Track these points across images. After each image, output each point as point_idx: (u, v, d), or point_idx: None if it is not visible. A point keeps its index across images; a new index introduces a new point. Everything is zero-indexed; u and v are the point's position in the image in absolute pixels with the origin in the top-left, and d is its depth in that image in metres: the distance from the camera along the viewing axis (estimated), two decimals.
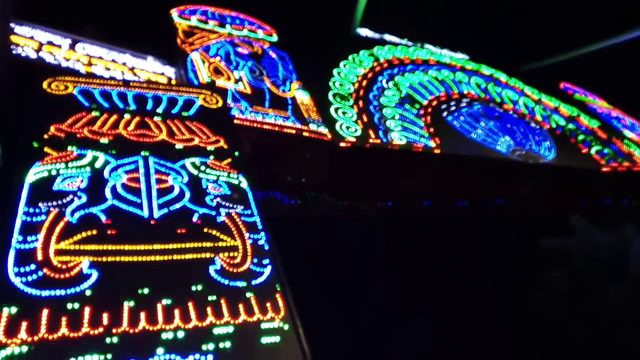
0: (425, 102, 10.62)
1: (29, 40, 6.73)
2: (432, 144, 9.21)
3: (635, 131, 14.07)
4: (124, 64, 7.38)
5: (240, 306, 4.10)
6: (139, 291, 3.91)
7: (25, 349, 3.33)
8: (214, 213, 4.81)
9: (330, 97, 9.21)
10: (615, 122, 14.17)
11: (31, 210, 4.17)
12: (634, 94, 14.53)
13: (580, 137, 12.47)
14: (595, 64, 15.35)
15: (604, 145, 12.45)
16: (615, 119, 14.42)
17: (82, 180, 4.59)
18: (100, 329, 3.58)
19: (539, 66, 15.51)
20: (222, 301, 4.08)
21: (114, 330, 3.60)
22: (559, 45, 15.41)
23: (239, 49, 9.05)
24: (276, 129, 7.55)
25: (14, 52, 6.36)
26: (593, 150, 12.00)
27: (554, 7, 14.96)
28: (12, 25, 6.69)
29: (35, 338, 3.40)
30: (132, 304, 3.80)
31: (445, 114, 10.58)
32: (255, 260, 4.53)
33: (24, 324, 3.43)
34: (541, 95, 13.84)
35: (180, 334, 3.76)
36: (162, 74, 7.73)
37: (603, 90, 15.51)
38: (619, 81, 15.38)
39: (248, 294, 4.22)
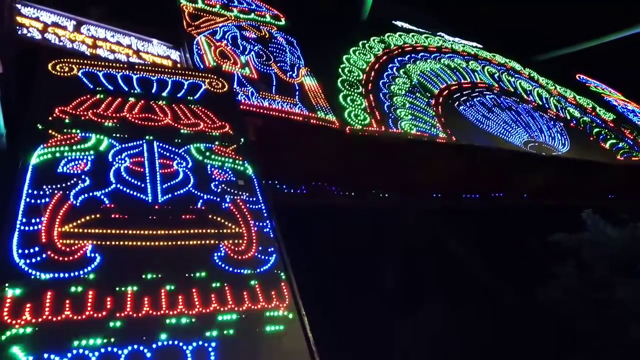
0: (436, 91, 10.42)
1: (34, 21, 6.65)
2: (442, 134, 9.04)
3: None
4: (129, 46, 7.28)
5: (245, 294, 4.06)
6: (143, 276, 3.88)
7: (29, 330, 3.32)
8: (218, 199, 4.75)
9: (339, 84, 9.06)
10: (631, 116, 13.87)
11: (35, 192, 4.14)
12: None
13: (595, 129, 12.21)
14: (611, 55, 14.98)
15: (619, 138, 12.19)
16: (631, 112, 14.12)
17: (86, 164, 4.55)
18: (104, 313, 3.56)
19: (554, 56, 15.18)
20: (226, 288, 4.04)
21: (117, 314, 3.59)
22: (575, 35, 15.05)
23: (246, 33, 8.89)
24: (283, 115, 7.44)
25: (19, 33, 6.29)
26: (608, 144, 11.75)
27: None
28: (17, 5, 6.63)
29: (40, 320, 3.39)
30: (135, 288, 3.78)
31: (457, 103, 10.37)
32: (260, 248, 4.48)
33: (28, 306, 3.42)
34: (556, 86, 13.56)
35: (184, 320, 3.72)
36: (168, 57, 7.62)
37: (619, 82, 15.18)
38: (635, 73, 15.01)
39: (252, 282, 4.18)
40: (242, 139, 5.57)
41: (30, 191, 4.14)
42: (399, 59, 10.94)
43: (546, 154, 10.25)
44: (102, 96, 5.37)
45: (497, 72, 12.61)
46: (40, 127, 4.71)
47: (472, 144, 9.29)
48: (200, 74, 6.42)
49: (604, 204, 9.70)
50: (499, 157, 9.51)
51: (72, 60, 5.69)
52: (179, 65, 7.63)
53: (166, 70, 6.37)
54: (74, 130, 4.81)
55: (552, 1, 14.96)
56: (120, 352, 3.41)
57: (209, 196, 4.74)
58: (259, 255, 4.43)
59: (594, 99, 14.00)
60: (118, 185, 4.47)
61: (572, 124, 12.07)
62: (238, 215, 4.68)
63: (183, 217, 4.44)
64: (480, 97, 10.96)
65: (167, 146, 5.09)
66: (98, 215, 4.14)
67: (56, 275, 3.66)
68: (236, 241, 4.45)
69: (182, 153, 5.09)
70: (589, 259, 7.92)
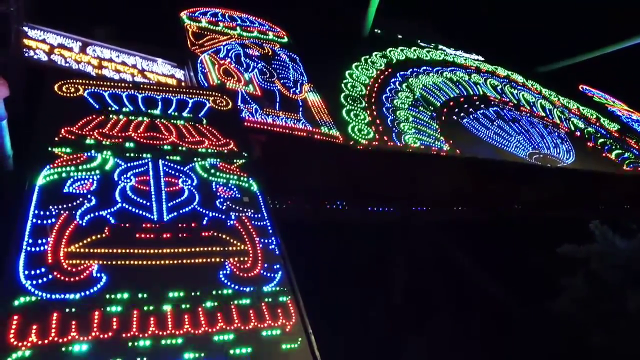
0: (439, 104, 10.46)
1: (41, 43, 6.79)
2: (446, 147, 9.04)
3: None
4: (134, 66, 7.40)
5: (251, 312, 4.03)
6: (149, 296, 3.86)
7: (35, 352, 3.30)
8: (223, 217, 4.74)
9: (342, 99, 9.11)
10: (635, 125, 13.83)
11: (41, 213, 4.15)
12: None
13: (600, 140, 12.16)
14: (614, 65, 15.01)
15: (624, 148, 12.13)
16: (636, 122, 14.08)
17: (92, 183, 4.57)
18: (110, 334, 3.54)
19: (557, 68, 15.22)
20: (232, 307, 4.01)
21: (123, 335, 3.56)
22: (577, 46, 15.10)
23: (250, 51, 9.00)
24: (287, 131, 7.47)
25: (26, 55, 6.40)
26: (613, 154, 11.69)
27: (572, 8, 14.69)
28: (24, 28, 6.75)
29: (46, 341, 3.37)
30: (141, 308, 3.75)
31: (460, 116, 10.39)
32: (265, 266, 4.46)
33: (34, 327, 3.41)
34: (559, 98, 13.57)
35: (190, 340, 3.68)
36: (172, 76, 7.72)
37: (623, 92, 15.17)
38: (639, 83, 15.01)
39: (258, 300, 4.15)
40: (246, 156, 5.58)
41: (36, 212, 4.15)
42: (402, 73, 11.02)
43: (551, 165, 10.21)
44: (107, 116, 5.42)
45: (500, 85, 12.65)
46: (46, 147, 4.74)
47: (476, 157, 9.28)
48: (204, 92, 6.48)
49: (611, 215, 9.60)
50: (503, 169, 9.49)
51: (78, 80, 5.75)
52: (183, 83, 7.72)
53: (171, 89, 6.43)
54: (80, 150, 4.85)
55: (553, 13, 15.07)
56: None
57: (214, 213, 4.73)
58: (265, 273, 4.41)
59: (597, 109, 13.99)
60: (124, 204, 4.48)
61: (576, 135, 12.04)
62: (243, 233, 4.67)
63: (188, 235, 4.44)
64: (484, 110, 10.98)
65: (172, 164, 5.11)
66: (104, 235, 4.15)
67: (62, 296, 3.65)
68: (242, 259, 4.43)
69: (187, 171, 5.11)
70: (598, 270, 7.81)
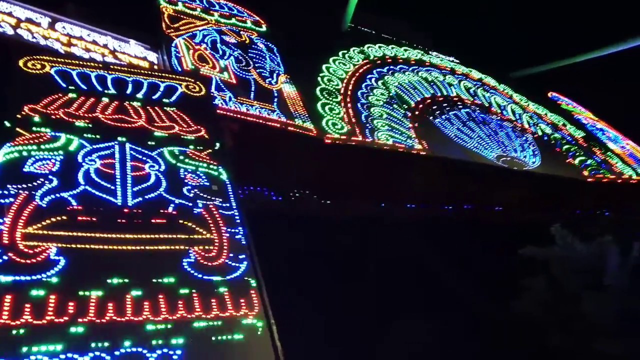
0: (413, 103, 10.59)
1: (7, 16, 6.51)
2: (417, 145, 9.19)
3: (618, 143, 14.28)
4: (105, 45, 7.19)
5: (213, 301, 4.02)
6: (108, 281, 3.80)
7: None
8: (190, 204, 4.69)
9: (318, 93, 9.11)
10: (599, 134, 14.36)
11: None
12: (619, 107, 14.75)
13: (565, 146, 12.59)
14: (582, 74, 15.53)
15: (587, 155, 12.60)
16: (600, 130, 14.62)
17: (54, 164, 4.44)
18: (65, 318, 3.47)
19: (528, 74, 15.63)
20: (195, 295, 3.99)
21: (79, 320, 3.50)
22: (549, 54, 15.55)
23: (226, 38, 8.86)
24: (260, 121, 7.43)
25: None
26: (577, 161, 12.13)
27: (546, 16, 15.10)
28: None
29: None
30: (100, 293, 3.69)
31: (433, 116, 10.56)
32: (231, 255, 4.44)
33: None
34: (529, 103, 13.95)
35: (149, 327, 3.66)
36: (145, 58, 7.54)
37: (589, 101, 15.72)
38: (604, 93, 15.58)
39: (222, 289, 4.14)
40: (217, 144, 5.53)
41: None
42: (378, 70, 11.08)
43: (518, 168, 10.52)
44: (74, 95, 5.25)
45: (473, 87, 12.90)
46: (7, 124, 4.58)
47: (446, 157, 9.46)
48: (177, 77, 6.35)
49: (572, 219, 9.96)
50: (472, 170, 9.71)
51: (44, 57, 5.55)
52: (156, 66, 7.55)
53: (142, 71, 6.29)
54: (43, 129, 4.70)
55: (527, 20, 15.43)
56: (80, 359, 3.33)
57: (180, 201, 4.68)
58: (230, 262, 4.39)
59: (564, 116, 14.45)
60: (87, 187, 4.38)
61: (543, 140, 12.42)
62: (210, 221, 4.63)
63: (153, 221, 4.38)
64: (456, 111, 11.19)
65: (139, 148, 5.00)
66: (64, 217, 4.05)
67: (17, 278, 3.55)
68: (207, 247, 4.40)
69: (155, 156, 5.02)
70: (558, 273, 8.10)
